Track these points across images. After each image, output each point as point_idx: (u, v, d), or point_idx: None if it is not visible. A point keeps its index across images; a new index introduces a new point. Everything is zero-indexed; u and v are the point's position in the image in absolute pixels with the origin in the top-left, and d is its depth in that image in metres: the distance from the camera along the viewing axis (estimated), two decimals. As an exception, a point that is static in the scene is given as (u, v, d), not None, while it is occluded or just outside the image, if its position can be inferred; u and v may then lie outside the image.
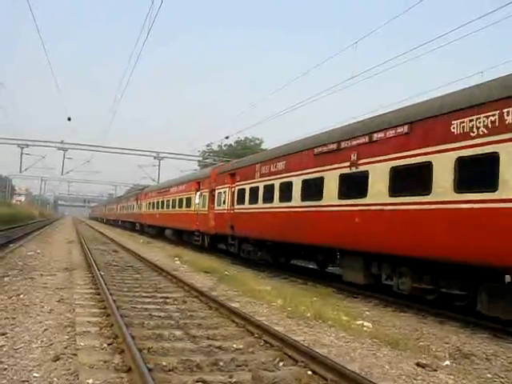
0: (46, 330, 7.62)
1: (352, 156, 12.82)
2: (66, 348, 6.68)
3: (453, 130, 9.73)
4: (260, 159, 19.95)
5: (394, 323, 9.87)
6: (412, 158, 10.75)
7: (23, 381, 5.38)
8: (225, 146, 62.71)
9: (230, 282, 13.90)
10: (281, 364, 6.42)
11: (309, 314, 9.74)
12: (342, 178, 13.22)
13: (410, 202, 10.76)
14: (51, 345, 6.83)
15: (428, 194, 10.18)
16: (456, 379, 6.30)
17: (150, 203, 42.66)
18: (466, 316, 10.14)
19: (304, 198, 15.26)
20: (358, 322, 9.37)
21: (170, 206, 34.85)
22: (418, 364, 6.79)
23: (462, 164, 9.46)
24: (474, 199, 9.16)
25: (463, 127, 9.51)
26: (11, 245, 24.01)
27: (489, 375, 6.73)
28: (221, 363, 6.27)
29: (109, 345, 6.85)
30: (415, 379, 6.20)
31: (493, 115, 8.92)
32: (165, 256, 22.47)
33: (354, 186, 12.80)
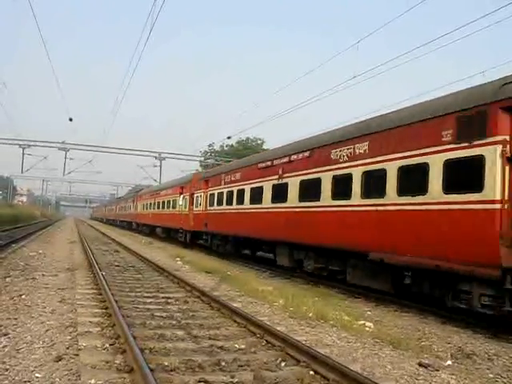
0: (47, 330, 7.63)
1: (279, 171, 17.36)
2: (67, 348, 6.69)
3: (331, 157, 13.94)
4: (224, 170, 25.01)
5: (395, 323, 9.87)
6: (311, 174, 15.11)
7: (25, 381, 5.38)
8: (226, 146, 62.72)
9: (232, 282, 13.91)
10: (283, 364, 6.42)
11: (311, 314, 9.75)
12: (274, 187, 17.74)
13: (309, 206, 15.10)
14: (53, 345, 6.84)
15: (319, 200, 14.41)
16: (458, 379, 6.30)
17: (144, 204, 47.39)
18: (467, 317, 10.15)
19: (252, 201, 19.80)
20: (360, 322, 9.36)
21: (160, 207, 39.18)
22: (420, 364, 6.79)
23: (335, 180, 13.75)
24: (341, 204, 13.37)
25: (336, 155, 13.73)
26: (13, 245, 24.07)
27: (491, 375, 6.73)
28: (223, 363, 6.27)
29: (111, 345, 6.85)
30: (417, 379, 6.20)
31: (351, 148, 13.05)
32: (166, 256, 22.49)
33: (280, 193, 17.15)
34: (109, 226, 69.21)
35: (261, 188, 18.82)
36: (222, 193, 23.60)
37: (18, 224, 50.85)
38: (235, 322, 8.78)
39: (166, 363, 6.13)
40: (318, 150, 14.93)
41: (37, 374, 5.60)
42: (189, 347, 7.01)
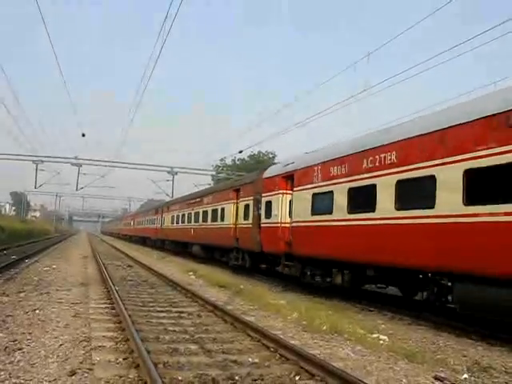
0: (61, 344, 7.65)
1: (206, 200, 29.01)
2: (81, 363, 6.70)
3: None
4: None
5: (410, 336, 9.77)
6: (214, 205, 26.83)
7: (40, 396, 5.40)
8: (238, 160, 62.85)
9: (245, 296, 13.87)
10: (297, 378, 6.39)
11: (324, 328, 9.69)
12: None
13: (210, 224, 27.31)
14: (67, 359, 6.85)
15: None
16: (475, 393, 6.22)
17: (133, 222, 64.94)
18: (483, 329, 10.02)
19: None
20: (374, 335, 9.29)
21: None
22: (435, 377, 6.71)
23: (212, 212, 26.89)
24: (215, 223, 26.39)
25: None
26: (27, 260, 24.23)
27: (508, 389, 6.62)
28: (236, 377, 6.25)
29: (124, 359, 6.87)
30: (433, 393, 6.13)
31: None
32: (179, 271, 22.50)
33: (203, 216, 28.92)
34: (120, 241, 69.38)
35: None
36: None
37: (32, 239, 51.22)
38: (249, 335, 8.75)
39: (180, 377, 6.12)
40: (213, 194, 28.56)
41: (51, 389, 5.61)
42: (202, 361, 6.99)
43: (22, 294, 12.61)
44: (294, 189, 16.33)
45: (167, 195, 48.23)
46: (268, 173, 19.14)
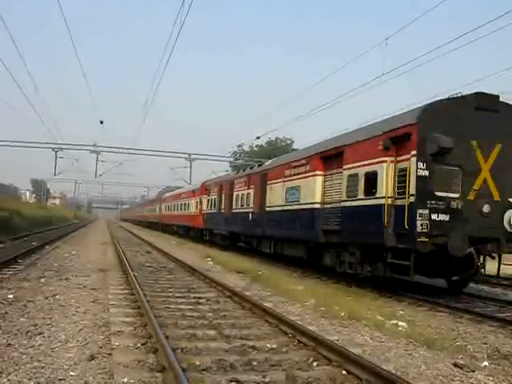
0: (81, 329, 7.73)
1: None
2: (101, 347, 6.76)
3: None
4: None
5: (429, 323, 9.70)
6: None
7: (60, 379, 5.46)
8: (256, 146, 62.73)
9: (263, 282, 13.90)
10: (315, 364, 6.37)
11: (342, 314, 9.66)
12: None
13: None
14: (87, 344, 6.92)
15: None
16: (495, 381, 6.16)
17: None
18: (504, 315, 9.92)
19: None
20: (393, 322, 9.24)
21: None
22: (455, 364, 6.66)
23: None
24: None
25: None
26: (47, 246, 24.51)
27: (530, 377, 6.54)
28: (254, 363, 6.25)
29: (143, 344, 6.90)
30: (453, 380, 6.09)
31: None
32: (197, 257, 22.59)
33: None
34: (139, 227, 69.92)
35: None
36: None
37: (52, 226, 51.84)
38: (267, 321, 8.76)
39: (198, 363, 6.14)
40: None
41: (71, 373, 5.67)
42: (220, 347, 7.01)
43: (42, 280, 12.77)
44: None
45: (185, 181, 48.37)
46: None
